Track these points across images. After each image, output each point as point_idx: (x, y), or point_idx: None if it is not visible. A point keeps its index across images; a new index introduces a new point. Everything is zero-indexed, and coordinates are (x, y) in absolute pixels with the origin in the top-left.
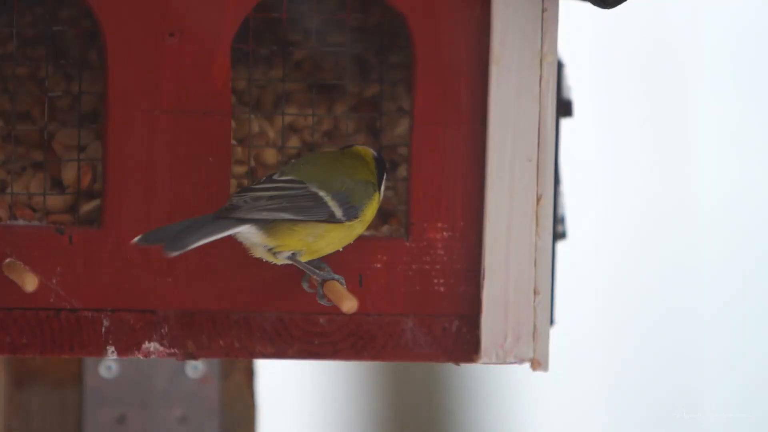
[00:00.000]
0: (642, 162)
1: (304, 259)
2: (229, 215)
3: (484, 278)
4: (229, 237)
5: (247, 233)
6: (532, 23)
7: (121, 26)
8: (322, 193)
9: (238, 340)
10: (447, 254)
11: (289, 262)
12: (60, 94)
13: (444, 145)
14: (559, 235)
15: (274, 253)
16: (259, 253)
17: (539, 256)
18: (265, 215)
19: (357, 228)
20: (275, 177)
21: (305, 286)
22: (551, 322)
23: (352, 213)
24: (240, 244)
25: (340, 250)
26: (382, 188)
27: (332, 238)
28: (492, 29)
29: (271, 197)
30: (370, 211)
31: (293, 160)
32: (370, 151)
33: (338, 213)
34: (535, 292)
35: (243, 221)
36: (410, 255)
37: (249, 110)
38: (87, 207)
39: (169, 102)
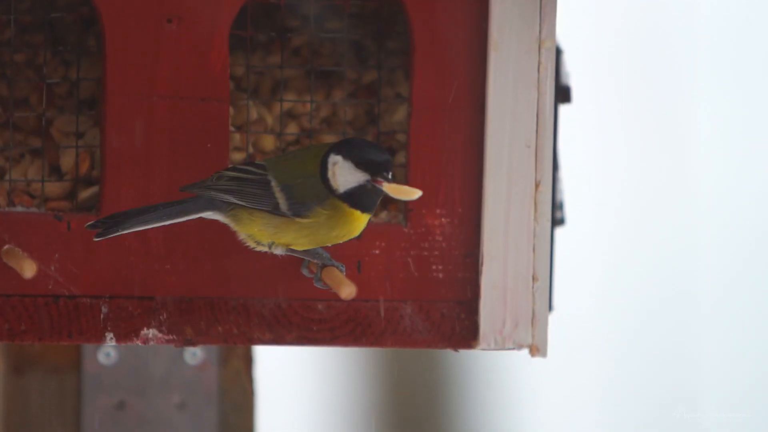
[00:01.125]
0: (641, 148)
1: (279, 251)
2: (192, 190)
3: (482, 264)
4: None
5: (212, 217)
6: (531, 9)
7: (119, 12)
8: (273, 183)
9: (236, 327)
10: (445, 240)
11: (285, 253)
12: (58, 80)
13: (442, 131)
14: (557, 221)
15: (256, 242)
16: (244, 240)
17: (538, 242)
18: (213, 194)
19: (319, 229)
20: (257, 162)
21: (305, 272)
22: (550, 308)
23: (296, 209)
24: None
25: (320, 250)
26: (330, 174)
27: (293, 233)
28: (490, 15)
29: (231, 179)
30: (326, 216)
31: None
32: (322, 148)
33: (283, 206)
34: (534, 279)
35: (198, 204)
36: (409, 241)
37: (247, 97)
38: (85, 193)
39: (167, 88)
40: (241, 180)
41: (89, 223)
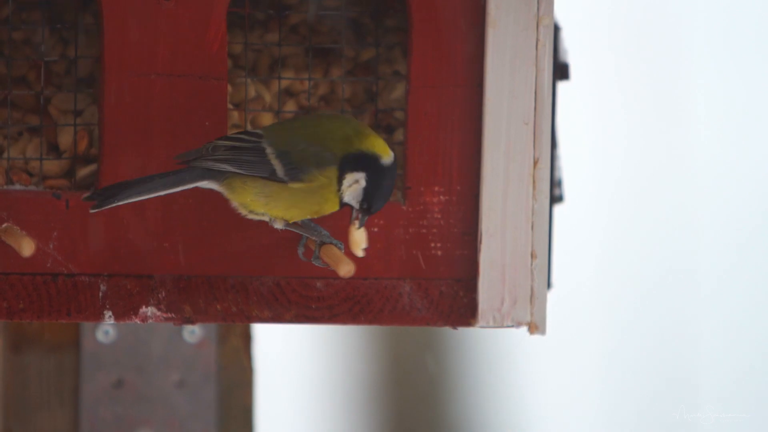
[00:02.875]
0: (639, 125)
1: (279, 225)
2: (187, 161)
3: (481, 242)
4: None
5: (208, 186)
6: None
7: None
8: (269, 150)
9: (235, 305)
10: (444, 218)
11: (284, 227)
12: (56, 58)
13: (440, 108)
14: (555, 198)
15: (249, 211)
16: (236, 208)
17: (536, 219)
18: (209, 165)
19: (307, 197)
20: (250, 130)
21: (300, 251)
22: (548, 285)
23: (293, 174)
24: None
25: (319, 227)
26: (346, 181)
27: (284, 201)
28: None
29: (227, 148)
30: (319, 183)
31: None
32: (351, 128)
33: (280, 171)
34: (532, 256)
35: (194, 173)
36: (407, 219)
37: (245, 74)
38: (83, 171)
39: (165, 66)
40: (237, 149)
41: (85, 195)
